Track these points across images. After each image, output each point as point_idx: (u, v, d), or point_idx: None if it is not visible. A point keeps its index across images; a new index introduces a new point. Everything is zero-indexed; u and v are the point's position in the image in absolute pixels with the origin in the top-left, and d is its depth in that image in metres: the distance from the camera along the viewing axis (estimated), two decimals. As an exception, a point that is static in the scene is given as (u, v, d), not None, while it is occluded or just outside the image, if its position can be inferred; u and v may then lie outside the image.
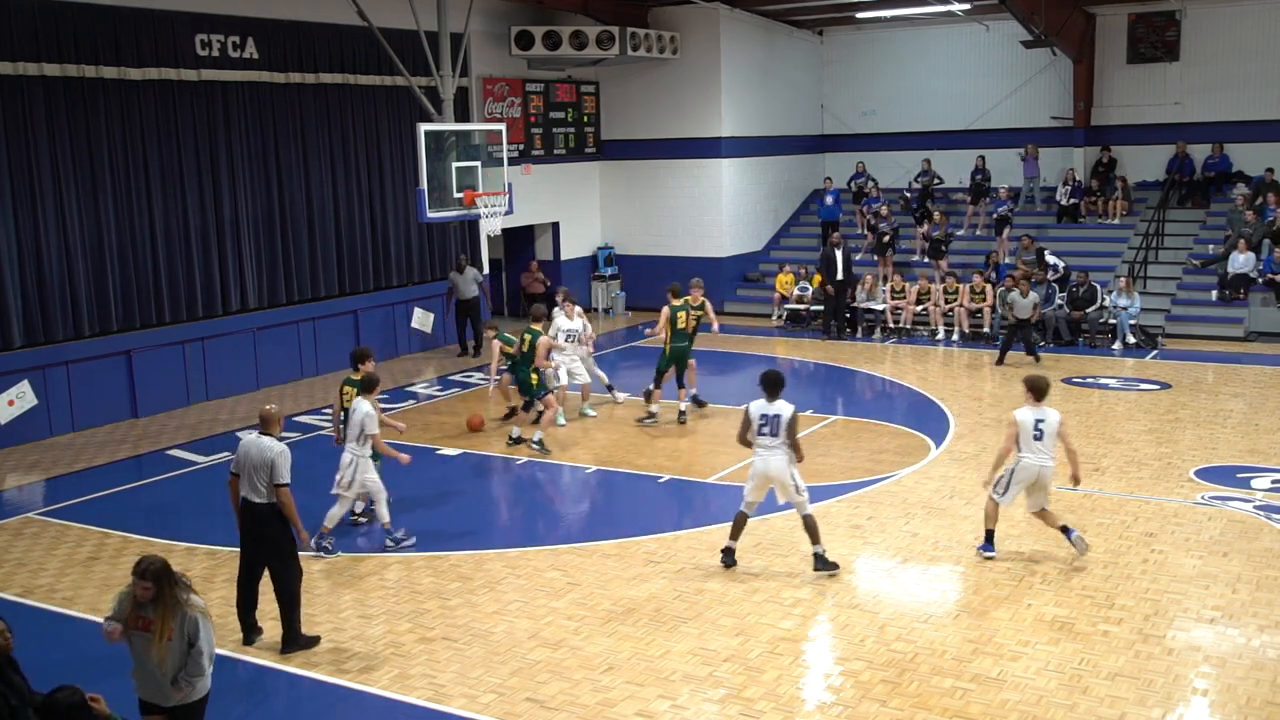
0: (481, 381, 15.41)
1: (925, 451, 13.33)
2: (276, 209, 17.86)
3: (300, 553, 8.55)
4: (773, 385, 9.56)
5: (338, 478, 10.42)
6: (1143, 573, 9.51)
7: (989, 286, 20.56)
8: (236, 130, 17.10)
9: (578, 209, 24.26)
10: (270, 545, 8.32)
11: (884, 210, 23.30)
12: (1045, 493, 9.79)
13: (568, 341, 14.76)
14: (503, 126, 17.08)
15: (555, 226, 23.83)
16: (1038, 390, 9.72)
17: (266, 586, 8.52)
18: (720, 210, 23.88)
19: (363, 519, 11.16)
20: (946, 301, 20.77)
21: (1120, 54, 23.40)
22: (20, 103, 14.48)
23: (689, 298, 15.00)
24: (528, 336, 13.46)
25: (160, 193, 16.17)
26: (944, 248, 22.11)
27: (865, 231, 23.87)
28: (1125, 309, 19.32)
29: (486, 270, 21.67)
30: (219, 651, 6.27)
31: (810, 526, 9.62)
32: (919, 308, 21.05)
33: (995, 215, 22.84)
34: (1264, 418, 14.53)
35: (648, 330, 15.75)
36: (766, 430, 9.47)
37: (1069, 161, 23.89)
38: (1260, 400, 15.56)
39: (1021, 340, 18.17)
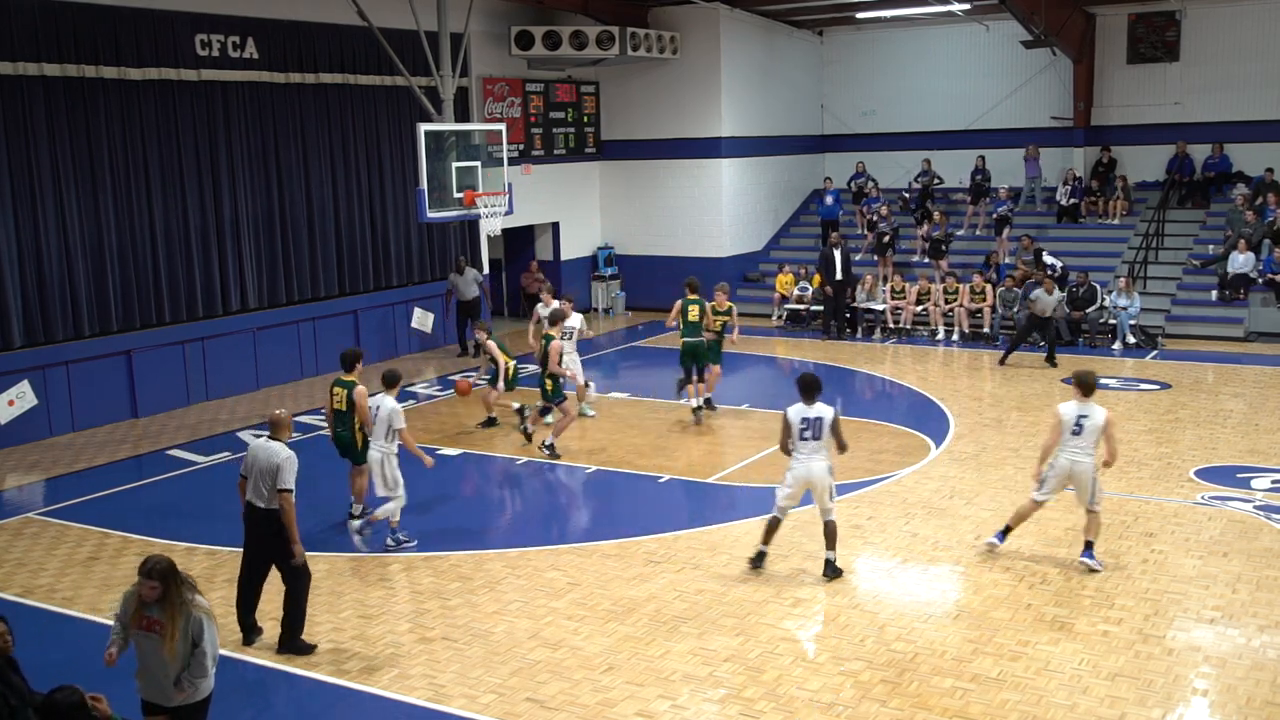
0: (480, 383, 15.37)
1: (925, 451, 13.34)
2: (276, 209, 17.86)
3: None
4: (811, 388, 9.43)
5: (375, 481, 10.40)
6: (1143, 573, 9.51)
7: (989, 287, 20.57)
8: (236, 130, 17.10)
9: (578, 209, 24.27)
10: (277, 550, 8.30)
11: (884, 210, 23.31)
12: (1084, 492, 9.53)
13: (564, 339, 14.74)
14: (503, 126, 17.09)
15: (555, 227, 23.83)
16: (1085, 385, 9.57)
17: (269, 589, 8.51)
18: (720, 210, 23.88)
19: (363, 519, 11.15)
20: (946, 302, 20.77)
21: (1120, 54, 23.40)
22: (20, 103, 14.49)
23: (715, 303, 15.00)
24: (542, 343, 13.42)
25: (160, 193, 16.17)
26: (944, 248, 22.10)
27: (865, 231, 23.87)
28: (1125, 309, 19.32)
29: (486, 270, 21.67)
30: (219, 652, 6.26)
31: (831, 533, 9.54)
32: (919, 308, 21.06)
33: (995, 215, 22.84)
34: (1264, 418, 14.53)
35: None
36: (809, 434, 9.35)
37: (1069, 161, 23.89)
38: (1260, 400, 15.56)
39: (1044, 340, 18.07)
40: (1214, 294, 20.25)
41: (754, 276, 24.49)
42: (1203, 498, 11.45)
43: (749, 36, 23.96)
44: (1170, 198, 22.58)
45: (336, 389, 10.84)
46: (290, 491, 8.15)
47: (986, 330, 20.39)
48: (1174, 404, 15.46)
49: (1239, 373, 17.24)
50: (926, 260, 22.50)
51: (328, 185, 18.63)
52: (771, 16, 24.24)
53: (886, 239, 22.52)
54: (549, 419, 13.83)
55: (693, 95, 23.45)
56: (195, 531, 11.09)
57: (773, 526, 9.70)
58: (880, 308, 21.27)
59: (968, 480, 12.19)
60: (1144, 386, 16.54)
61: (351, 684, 7.95)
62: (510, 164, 17.37)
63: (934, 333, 20.77)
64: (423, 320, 20.26)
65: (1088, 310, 19.60)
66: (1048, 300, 18.00)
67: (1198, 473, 12.25)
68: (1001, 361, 18.06)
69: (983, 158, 23.81)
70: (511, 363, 14.29)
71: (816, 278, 21.60)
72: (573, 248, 24.19)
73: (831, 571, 9.52)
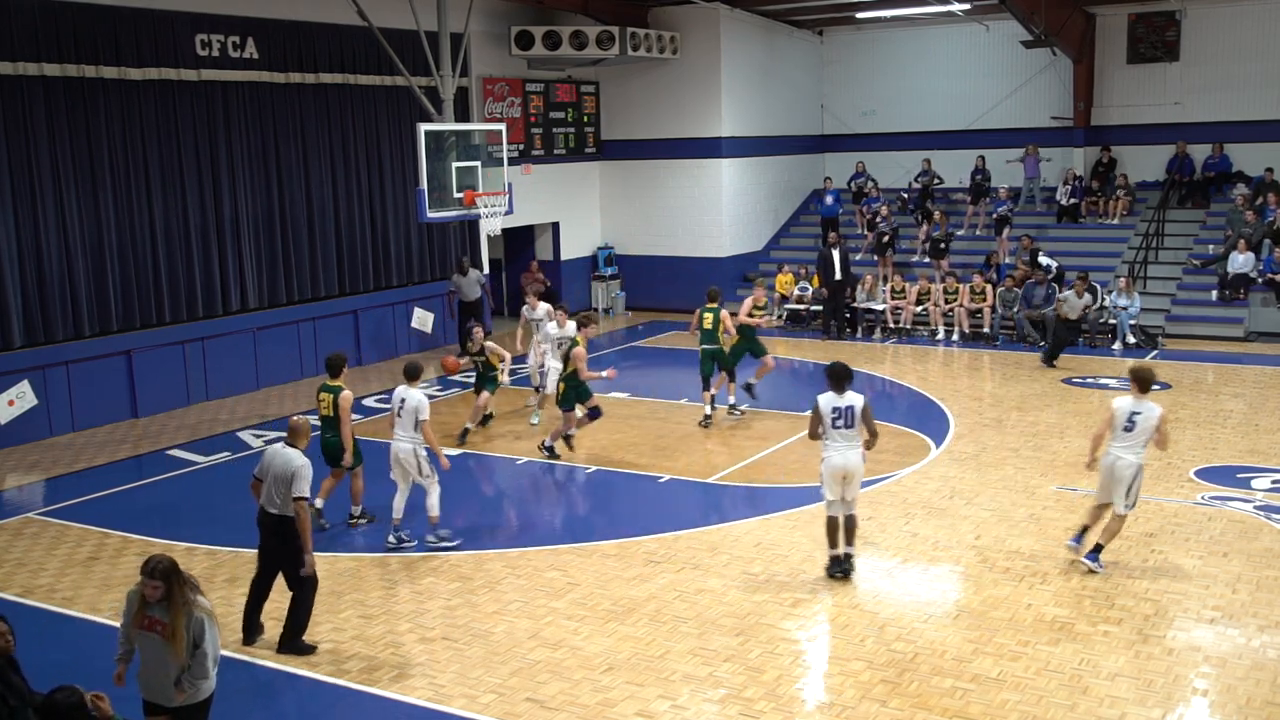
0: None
1: (925, 451, 13.33)
2: (276, 209, 17.86)
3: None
4: (841, 377, 9.33)
5: (412, 473, 10.42)
6: (1143, 573, 9.51)
7: (989, 287, 20.57)
8: (236, 130, 17.10)
9: (578, 209, 24.27)
10: (284, 555, 8.28)
11: (884, 210, 23.30)
12: (1120, 489, 9.33)
13: (560, 347, 14.72)
14: (503, 126, 17.09)
15: (555, 226, 23.84)
16: (1142, 381, 9.42)
17: (278, 591, 8.51)
18: (720, 210, 23.89)
19: (362, 520, 11.14)
20: (946, 302, 20.77)
21: (1120, 54, 23.40)
22: (20, 103, 14.49)
23: (754, 297, 15.34)
24: (567, 346, 13.37)
25: (160, 192, 16.17)
26: (943, 247, 22.10)
27: (865, 231, 23.87)
28: (1125, 309, 19.32)
29: (486, 270, 21.66)
30: (220, 653, 6.26)
31: (853, 527, 9.48)
32: (919, 308, 21.06)
33: (995, 215, 22.85)
34: (1264, 418, 14.53)
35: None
36: (841, 423, 9.26)
37: (1069, 161, 23.89)
38: (1260, 400, 15.56)
39: (1054, 340, 17.96)
40: (1214, 294, 20.25)
41: (754, 276, 24.43)
42: (1203, 498, 11.45)
43: (749, 36, 23.96)
44: (1170, 198, 22.58)
45: (323, 394, 10.72)
46: (306, 499, 8.14)
47: (986, 330, 20.39)
48: (1174, 404, 15.44)
49: (1239, 373, 17.24)
50: (927, 260, 22.50)
51: (328, 185, 18.63)
52: (771, 16, 24.24)
53: (886, 239, 22.52)
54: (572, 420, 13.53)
55: (693, 95, 23.45)
56: (195, 532, 11.08)
57: (833, 527, 9.50)
58: (880, 308, 21.27)
59: (968, 480, 12.19)
60: (1144, 386, 16.51)
61: (351, 684, 7.95)
62: (510, 164, 17.38)
63: (934, 333, 20.77)
64: (422, 320, 20.26)
65: (1088, 310, 19.58)
66: (1076, 303, 17.93)
67: (1198, 473, 12.25)
68: (1050, 363, 17.71)
69: (983, 158, 23.81)
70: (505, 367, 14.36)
71: (815, 278, 21.60)
72: (573, 248, 24.19)
73: (848, 567, 9.44)
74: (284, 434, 8.57)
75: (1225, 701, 7.40)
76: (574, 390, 13.02)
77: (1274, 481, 11.89)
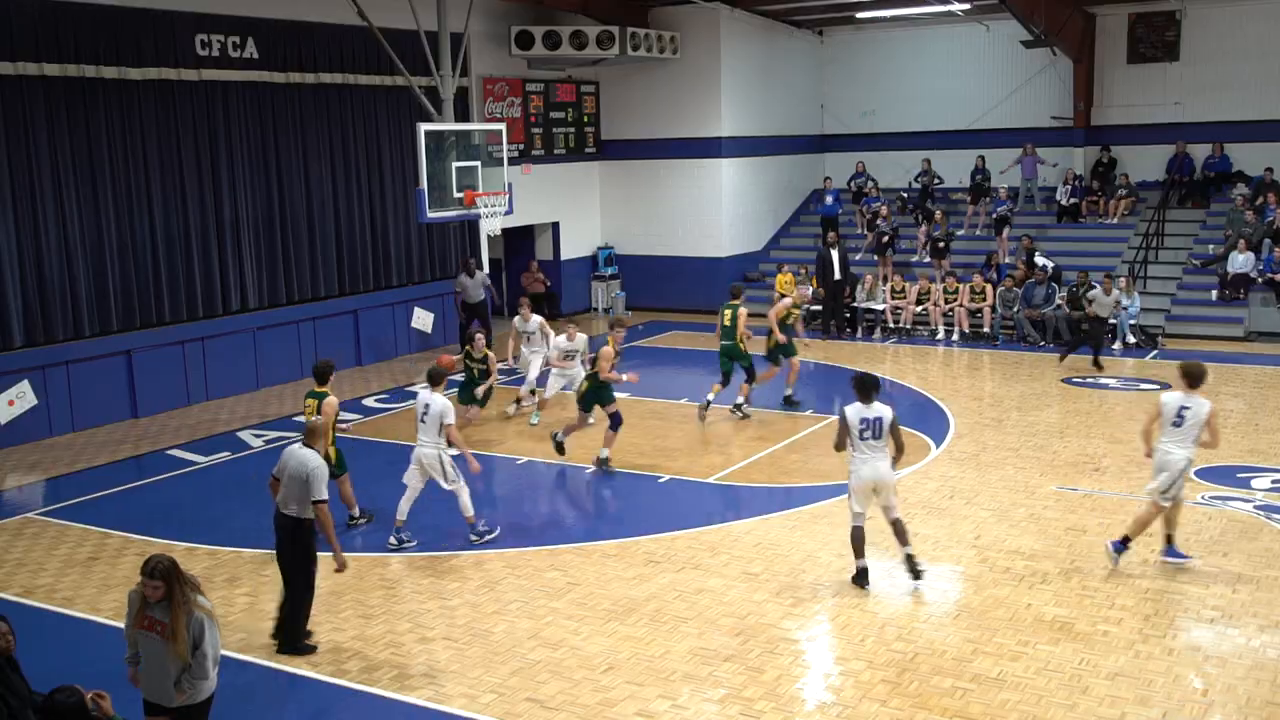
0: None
1: (925, 451, 13.33)
2: (276, 209, 17.87)
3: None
4: (869, 387, 9.21)
5: (439, 480, 10.46)
6: (1143, 573, 9.51)
7: (989, 287, 20.57)
8: (236, 130, 17.11)
9: (578, 209, 24.27)
10: (288, 556, 8.30)
11: (884, 210, 23.30)
12: (1163, 480, 9.30)
13: (566, 360, 14.68)
14: (502, 126, 17.12)
15: (555, 226, 23.84)
16: (1192, 377, 9.37)
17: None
18: (720, 210, 23.89)
19: (362, 520, 11.14)
20: (946, 301, 20.77)
21: (1120, 54, 23.40)
22: (20, 103, 14.49)
23: (795, 297, 15.76)
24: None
25: (160, 193, 16.18)
26: (943, 247, 22.09)
27: (865, 231, 23.87)
28: (1125, 309, 19.32)
29: (486, 270, 21.62)
30: (220, 653, 6.26)
31: (902, 529, 9.33)
32: (919, 308, 21.06)
33: (995, 215, 22.85)
34: (1264, 418, 14.53)
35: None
36: (869, 434, 9.13)
37: (1069, 161, 23.89)
38: (1260, 400, 15.56)
39: (1089, 341, 17.74)
40: (1214, 294, 20.25)
41: (754, 276, 24.48)
42: (1203, 497, 11.45)
43: (749, 36, 23.96)
44: (1170, 198, 22.58)
45: (309, 400, 10.67)
46: (324, 502, 8.12)
47: (986, 330, 20.40)
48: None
49: (1239, 372, 17.23)
50: (927, 260, 22.50)
51: (328, 185, 18.63)
52: (771, 16, 24.24)
53: (886, 239, 22.51)
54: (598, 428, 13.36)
55: (693, 95, 23.45)
56: (196, 532, 11.09)
57: (859, 538, 9.36)
58: (880, 307, 21.27)
59: (968, 480, 12.19)
60: (1144, 386, 16.54)
61: (351, 684, 7.95)
62: (510, 164, 17.38)
63: (934, 332, 20.78)
64: (423, 320, 20.26)
65: (1117, 307, 19.55)
66: (1106, 300, 17.85)
67: (1198, 473, 12.18)
68: (1095, 365, 17.50)
69: (982, 158, 23.81)
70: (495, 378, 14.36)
71: (815, 279, 21.60)
72: (573, 248, 24.19)
73: (914, 565, 9.26)
74: (287, 434, 8.57)
75: (1225, 701, 7.40)
76: (594, 392, 12.82)
77: (1274, 481, 11.89)
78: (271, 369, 17.63)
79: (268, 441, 14.32)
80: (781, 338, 15.22)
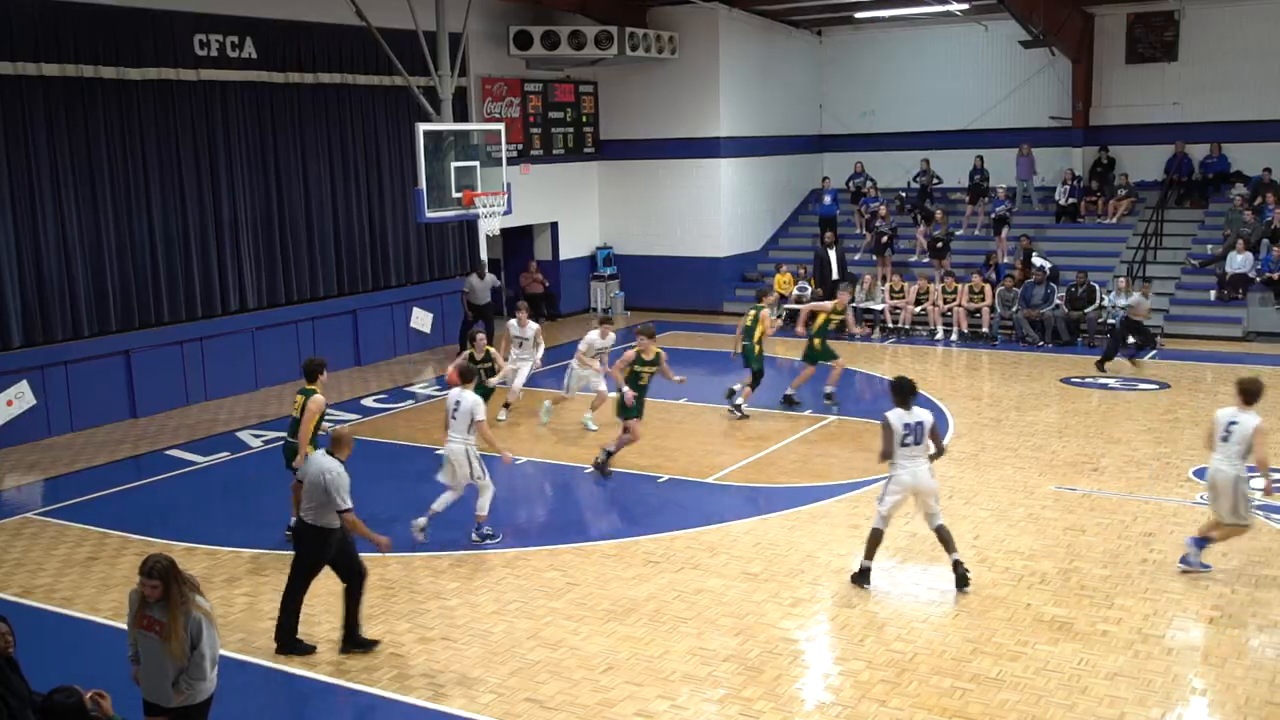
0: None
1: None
2: (275, 209, 17.86)
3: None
4: (909, 392, 9.09)
5: (463, 475, 10.46)
6: (1141, 572, 9.52)
7: (988, 287, 20.58)
8: (235, 130, 17.10)
9: (576, 209, 24.26)
10: (335, 562, 8.28)
11: (882, 210, 23.30)
12: (1222, 500, 9.20)
13: (596, 358, 14.65)
14: (501, 126, 17.08)
15: (554, 227, 23.83)
16: (1246, 393, 9.24)
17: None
18: (719, 210, 23.89)
19: None
20: (945, 302, 20.78)
21: (1119, 54, 23.41)
22: (19, 103, 14.48)
23: (836, 302, 15.76)
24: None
25: (159, 193, 16.17)
26: (940, 247, 22.10)
27: (864, 231, 23.87)
28: (1124, 309, 19.31)
29: (487, 269, 21.61)
30: (220, 652, 6.25)
31: (947, 535, 9.24)
32: (918, 308, 21.07)
33: (993, 215, 22.86)
34: (1262, 418, 14.50)
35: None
36: (911, 440, 9.02)
37: (1068, 162, 23.90)
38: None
39: (1124, 341, 17.60)
40: (1213, 294, 20.26)
41: (752, 276, 24.48)
42: (1201, 497, 11.42)
43: (748, 36, 23.96)
44: (1169, 198, 22.59)
45: (297, 397, 10.51)
46: (349, 510, 8.05)
47: (985, 330, 20.41)
48: (1172, 404, 15.47)
49: (1237, 372, 17.15)
50: (926, 260, 22.50)
51: (326, 185, 18.63)
52: (770, 16, 24.24)
53: (885, 239, 22.52)
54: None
55: (691, 95, 23.45)
56: (195, 532, 11.08)
57: (876, 540, 9.31)
58: (879, 307, 21.28)
59: (966, 480, 12.19)
60: (1143, 386, 16.55)
61: (351, 684, 7.95)
62: (509, 164, 17.35)
63: (932, 332, 20.79)
64: (421, 320, 20.26)
65: (1086, 310, 19.61)
66: (1144, 303, 17.71)
67: (1196, 472, 12.23)
68: (1100, 366, 17.38)
69: (981, 158, 23.82)
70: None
71: (813, 278, 21.61)
72: (571, 248, 24.19)
73: (963, 572, 9.15)
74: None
75: (1224, 701, 7.41)
76: (641, 404, 12.52)
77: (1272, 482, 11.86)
78: (270, 369, 17.62)
79: (266, 442, 14.31)
80: (816, 342, 15.38)
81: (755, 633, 8.54)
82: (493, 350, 13.98)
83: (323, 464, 8.14)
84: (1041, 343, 19.62)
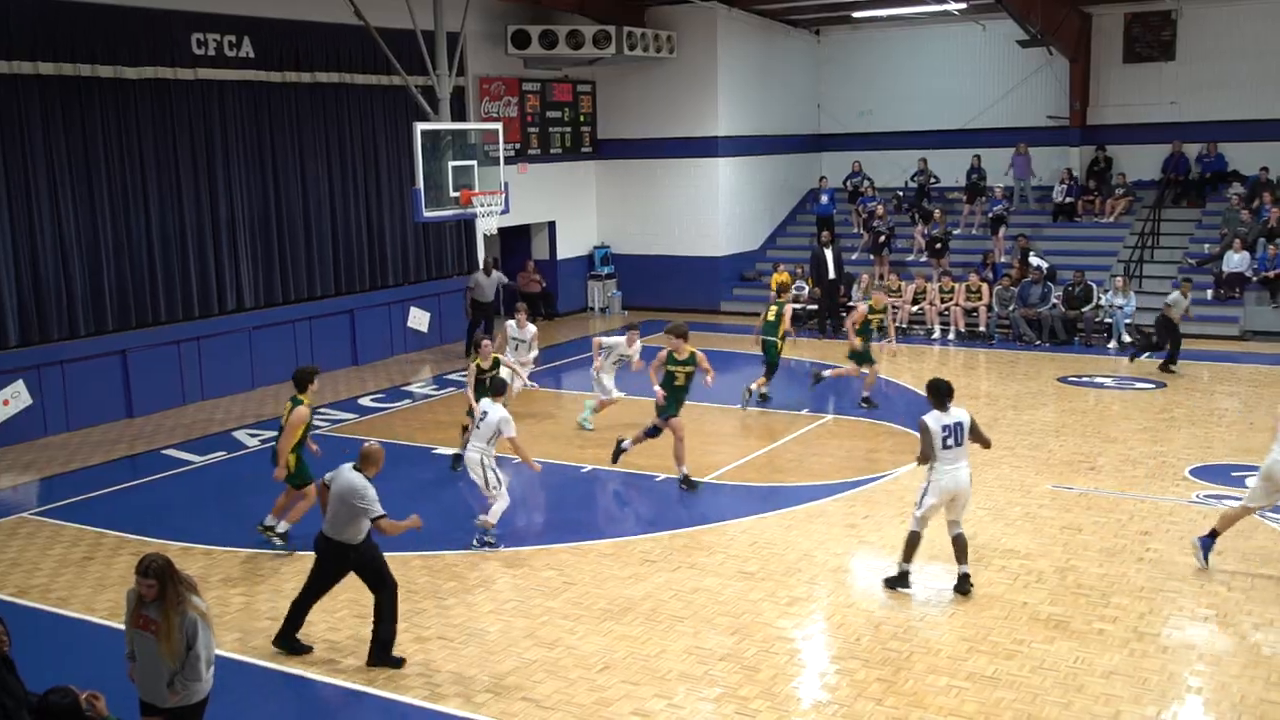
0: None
1: (921, 450, 13.32)
2: (272, 208, 17.85)
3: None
4: (946, 393, 8.97)
5: (479, 484, 10.56)
6: (1138, 571, 9.53)
7: (985, 286, 20.59)
8: (233, 129, 17.08)
9: (574, 208, 24.26)
10: (362, 575, 8.22)
11: (880, 209, 23.31)
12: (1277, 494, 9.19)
13: (615, 363, 14.69)
14: (499, 126, 17.08)
15: (551, 226, 23.83)
16: None
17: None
18: (717, 209, 23.90)
19: (276, 541, 10.86)
20: (942, 301, 20.79)
21: (1116, 53, 23.42)
22: (16, 102, 14.46)
23: (873, 301, 16.01)
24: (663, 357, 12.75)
25: (156, 192, 16.15)
26: (939, 246, 22.10)
27: (861, 231, 23.87)
28: (1121, 308, 19.34)
29: (481, 269, 21.60)
30: (217, 652, 6.25)
31: (964, 545, 9.15)
32: (915, 307, 21.06)
33: (990, 214, 22.87)
34: (1258, 416, 14.55)
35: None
36: (951, 441, 8.89)
37: (1065, 161, 23.91)
38: (1255, 399, 15.59)
39: (1170, 344, 17.32)
40: (1210, 293, 20.27)
41: (750, 275, 24.50)
42: (1197, 496, 11.46)
43: (746, 36, 23.96)
44: (1165, 197, 22.61)
45: (287, 403, 10.40)
46: (383, 516, 7.96)
47: (982, 329, 20.41)
48: (1169, 403, 15.48)
49: (1234, 371, 17.26)
50: (924, 259, 22.51)
51: (324, 184, 18.62)
52: (768, 16, 24.25)
53: (882, 238, 22.53)
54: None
55: (689, 94, 23.45)
56: (191, 531, 11.07)
57: (914, 543, 9.20)
58: (876, 307, 21.24)
59: (963, 479, 12.17)
60: (1139, 385, 16.57)
61: (347, 684, 7.94)
62: (506, 163, 17.35)
63: (930, 332, 20.79)
64: (419, 319, 20.25)
65: (1083, 309, 19.63)
66: (1183, 303, 17.57)
67: (1192, 471, 12.27)
68: (1168, 368, 17.22)
69: (978, 157, 23.84)
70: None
71: (810, 278, 21.61)
72: (569, 247, 24.19)
73: (967, 585, 9.10)
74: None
75: (1220, 699, 7.42)
76: (674, 403, 12.26)
77: (1269, 480, 11.87)
78: (267, 369, 17.59)
79: (263, 441, 14.30)
80: (858, 343, 15.50)
81: (752, 632, 8.54)
82: (502, 358, 13.79)
83: (348, 479, 8.00)
84: (1038, 342, 19.63)
